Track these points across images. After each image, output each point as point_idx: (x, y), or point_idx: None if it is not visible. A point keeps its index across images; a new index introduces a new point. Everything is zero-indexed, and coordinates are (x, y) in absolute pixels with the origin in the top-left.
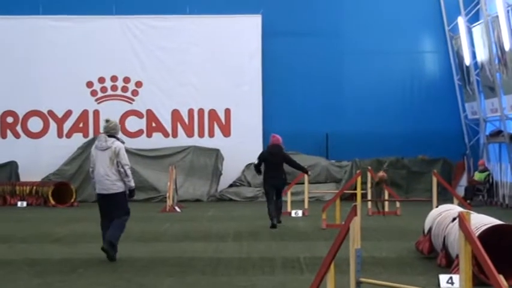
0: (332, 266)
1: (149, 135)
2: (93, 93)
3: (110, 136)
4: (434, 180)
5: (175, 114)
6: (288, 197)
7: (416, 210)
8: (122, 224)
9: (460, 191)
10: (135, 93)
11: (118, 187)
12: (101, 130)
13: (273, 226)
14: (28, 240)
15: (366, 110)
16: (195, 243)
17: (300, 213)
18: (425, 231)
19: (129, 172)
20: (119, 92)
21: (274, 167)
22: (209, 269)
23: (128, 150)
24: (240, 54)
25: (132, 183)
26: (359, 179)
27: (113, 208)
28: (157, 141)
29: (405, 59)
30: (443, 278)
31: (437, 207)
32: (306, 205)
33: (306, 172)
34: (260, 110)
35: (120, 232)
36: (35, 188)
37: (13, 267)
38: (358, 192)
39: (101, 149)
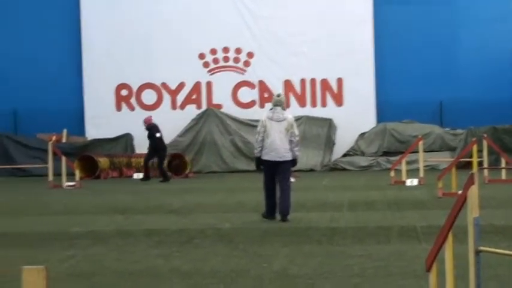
0: (450, 235)
1: (262, 106)
2: (206, 64)
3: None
4: None
5: (288, 84)
6: (402, 166)
7: None
8: (289, 192)
9: None
10: (247, 64)
11: (289, 155)
12: (273, 103)
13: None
14: (145, 211)
15: (480, 77)
16: (310, 213)
17: (415, 181)
18: None
19: (298, 142)
20: (230, 63)
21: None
22: (325, 238)
23: (241, 121)
24: (351, 22)
25: (298, 153)
26: (475, 147)
27: (282, 174)
28: None
29: None
30: None
31: None
32: (422, 174)
33: None
34: (373, 79)
35: (290, 200)
36: None
37: (131, 238)
38: (475, 160)
39: (277, 120)
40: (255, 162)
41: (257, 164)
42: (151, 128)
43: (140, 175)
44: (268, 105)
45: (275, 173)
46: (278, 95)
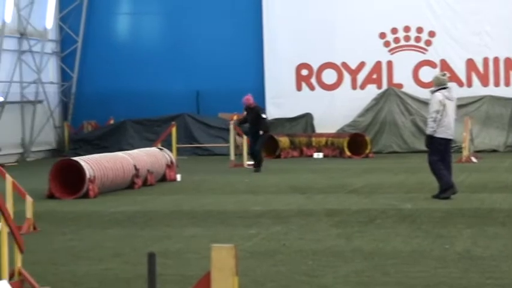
0: None
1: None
2: (386, 44)
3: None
4: None
5: (470, 64)
6: None
7: None
8: None
9: None
10: (428, 43)
11: None
12: (436, 82)
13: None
14: (325, 190)
15: None
16: (493, 194)
17: None
18: None
19: None
20: (411, 42)
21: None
22: (509, 220)
23: (422, 101)
24: None
25: None
26: None
27: (450, 150)
28: None
29: None
30: None
31: None
32: None
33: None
34: None
35: None
36: (330, 139)
37: (313, 218)
38: None
39: (451, 99)
40: (427, 140)
41: (429, 142)
42: (256, 108)
43: (320, 155)
44: (450, 85)
45: (447, 151)
46: (444, 74)
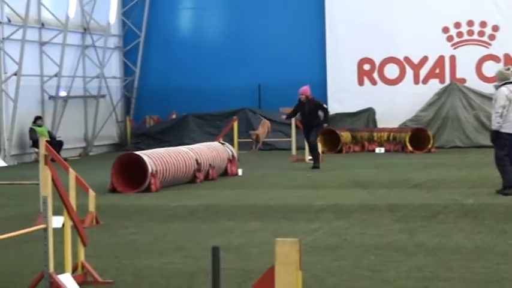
0: None
1: None
2: (449, 38)
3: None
4: None
5: None
6: None
7: None
8: None
9: None
10: (491, 37)
11: None
12: (501, 76)
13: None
14: (387, 185)
15: None
16: None
17: None
18: None
19: None
20: (475, 36)
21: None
22: None
23: (485, 96)
24: None
25: None
26: None
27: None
28: None
29: None
30: None
31: None
32: None
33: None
34: None
35: None
36: (392, 134)
37: (375, 213)
38: None
39: None
40: (492, 135)
41: (495, 138)
42: (314, 100)
43: (382, 149)
44: None
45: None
46: (508, 69)
